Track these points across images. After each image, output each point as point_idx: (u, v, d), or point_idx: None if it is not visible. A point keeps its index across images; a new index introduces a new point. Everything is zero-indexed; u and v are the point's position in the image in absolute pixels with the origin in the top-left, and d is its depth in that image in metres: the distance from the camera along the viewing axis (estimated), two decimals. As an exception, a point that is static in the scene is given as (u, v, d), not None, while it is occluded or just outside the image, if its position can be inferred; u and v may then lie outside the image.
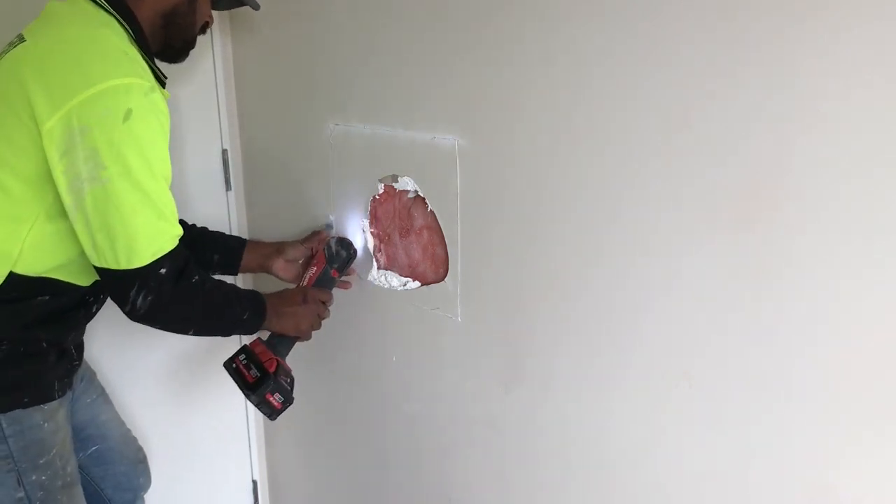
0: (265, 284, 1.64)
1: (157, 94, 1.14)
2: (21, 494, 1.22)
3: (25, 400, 1.21)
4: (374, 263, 1.52)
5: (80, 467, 1.44)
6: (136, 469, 1.58)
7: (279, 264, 1.54)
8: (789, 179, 0.93)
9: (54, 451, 1.25)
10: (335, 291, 1.53)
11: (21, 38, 1.18)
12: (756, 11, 0.91)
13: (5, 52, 1.19)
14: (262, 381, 1.35)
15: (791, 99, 0.91)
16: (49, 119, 1.06)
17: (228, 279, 1.60)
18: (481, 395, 1.39)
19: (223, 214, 1.81)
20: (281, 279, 1.56)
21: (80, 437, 1.45)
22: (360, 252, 1.53)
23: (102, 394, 1.53)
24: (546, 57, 1.13)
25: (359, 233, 1.53)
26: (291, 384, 1.40)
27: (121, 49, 1.14)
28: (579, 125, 1.12)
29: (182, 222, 1.52)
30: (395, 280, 1.48)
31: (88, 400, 1.46)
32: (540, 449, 1.32)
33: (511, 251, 1.26)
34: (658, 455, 1.15)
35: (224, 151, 1.78)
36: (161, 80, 1.27)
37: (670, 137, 1.02)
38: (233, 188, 1.81)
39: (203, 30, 1.36)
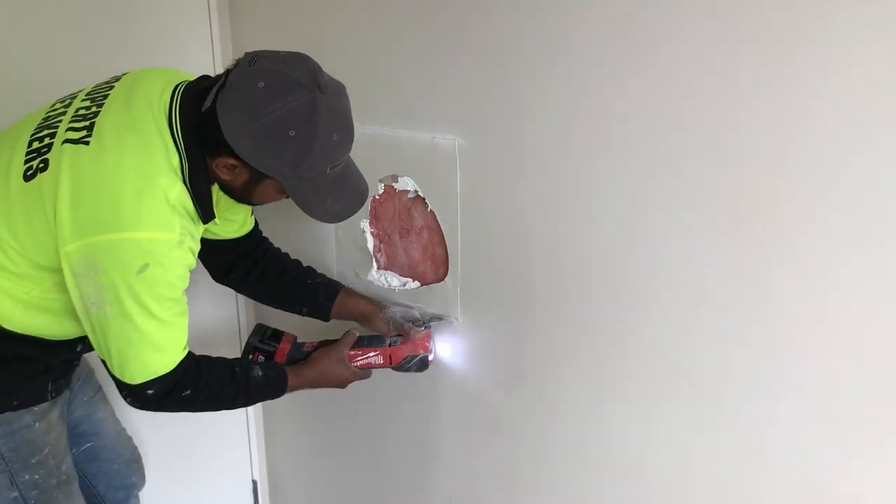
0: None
1: (185, 247, 1.11)
2: (15, 494, 1.23)
3: (14, 403, 1.21)
4: (374, 263, 1.52)
5: (73, 464, 1.44)
6: (129, 468, 1.58)
7: (377, 324, 1.43)
8: (788, 179, 0.93)
9: (46, 450, 1.25)
10: None
11: (110, 86, 1.16)
12: (755, 11, 0.91)
13: (99, 96, 1.15)
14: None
15: (789, 99, 0.91)
16: (69, 243, 1.06)
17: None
18: (482, 395, 1.39)
19: (223, 214, 1.80)
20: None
21: (75, 434, 1.44)
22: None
23: (99, 391, 1.52)
24: (546, 57, 1.13)
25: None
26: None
27: (163, 194, 1.08)
28: (579, 125, 1.12)
29: (283, 257, 1.46)
30: (394, 280, 1.48)
31: (85, 398, 1.46)
32: (540, 449, 1.32)
33: (511, 251, 1.26)
34: (658, 454, 1.15)
35: (224, 151, 1.77)
36: (210, 213, 1.19)
37: (669, 137, 1.02)
38: (233, 188, 1.80)
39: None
